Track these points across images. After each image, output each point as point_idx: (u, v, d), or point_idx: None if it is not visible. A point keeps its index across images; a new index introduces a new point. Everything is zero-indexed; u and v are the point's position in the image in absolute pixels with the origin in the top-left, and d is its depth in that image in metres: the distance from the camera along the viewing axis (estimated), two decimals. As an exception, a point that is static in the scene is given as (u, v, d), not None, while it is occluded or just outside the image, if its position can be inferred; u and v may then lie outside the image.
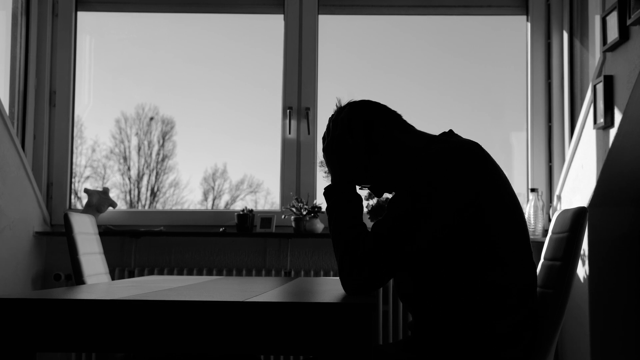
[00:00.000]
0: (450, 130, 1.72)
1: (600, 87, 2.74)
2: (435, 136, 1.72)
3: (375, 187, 1.78)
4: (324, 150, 1.78)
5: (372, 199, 3.43)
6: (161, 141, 4.05)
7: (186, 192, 3.99)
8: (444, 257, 1.55)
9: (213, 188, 4.00)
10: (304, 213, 3.44)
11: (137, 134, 4.01)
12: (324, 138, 1.82)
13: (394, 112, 1.78)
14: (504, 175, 1.63)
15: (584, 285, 2.94)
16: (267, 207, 3.82)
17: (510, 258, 1.57)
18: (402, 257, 1.53)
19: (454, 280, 1.55)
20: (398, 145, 1.71)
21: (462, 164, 1.53)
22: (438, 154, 1.55)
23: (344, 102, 1.82)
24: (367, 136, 1.72)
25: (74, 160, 3.79)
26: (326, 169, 1.84)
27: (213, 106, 4.01)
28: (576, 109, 3.45)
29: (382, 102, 1.81)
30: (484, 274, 1.54)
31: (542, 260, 1.93)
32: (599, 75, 2.80)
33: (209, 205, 3.99)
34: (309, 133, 3.67)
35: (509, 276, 1.56)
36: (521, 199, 3.55)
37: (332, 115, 1.82)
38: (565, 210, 1.88)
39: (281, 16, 3.78)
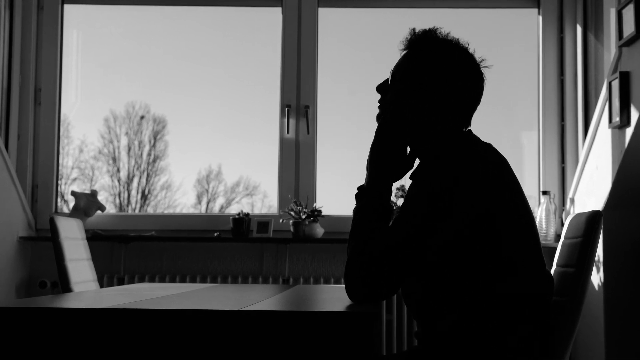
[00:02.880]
0: (469, 130, 1.72)
1: (615, 84, 2.74)
2: (457, 135, 1.70)
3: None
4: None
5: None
6: (152, 141, 4.05)
7: (179, 194, 3.99)
8: (454, 266, 1.56)
9: (207, 190, 4.00)
10: (303, 217, 3.45)
11: (127, 133, 4.02)
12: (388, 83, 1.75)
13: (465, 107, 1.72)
14: (517, 181, 1.63)
15: (598, 292, 2.94)
16: (264, 211, 3.82)
17: (522, 268, 1.57)
18: (411, 264, 1.53)
19: (464, 289, 1.56)
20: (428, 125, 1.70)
21: (478, 171, 1.54)
22: (455, 159, 1.55)
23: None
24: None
25: (60, 161, 3.79)
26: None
27: (207, 104, 4.02)
28: (590, 107, 3.45)
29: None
30: (494, 284, 1.54)
31: (554, 266, 1.93)
32: (614, 71, 2.80)
33: (202, 209, 3.99)
34: (308, 132, 3.68)
35: (521, 286, 1.57)
36: (532, 202, 3.55)
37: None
38: (579, 214, 1.88)
39: (279, 9, 3.78)
